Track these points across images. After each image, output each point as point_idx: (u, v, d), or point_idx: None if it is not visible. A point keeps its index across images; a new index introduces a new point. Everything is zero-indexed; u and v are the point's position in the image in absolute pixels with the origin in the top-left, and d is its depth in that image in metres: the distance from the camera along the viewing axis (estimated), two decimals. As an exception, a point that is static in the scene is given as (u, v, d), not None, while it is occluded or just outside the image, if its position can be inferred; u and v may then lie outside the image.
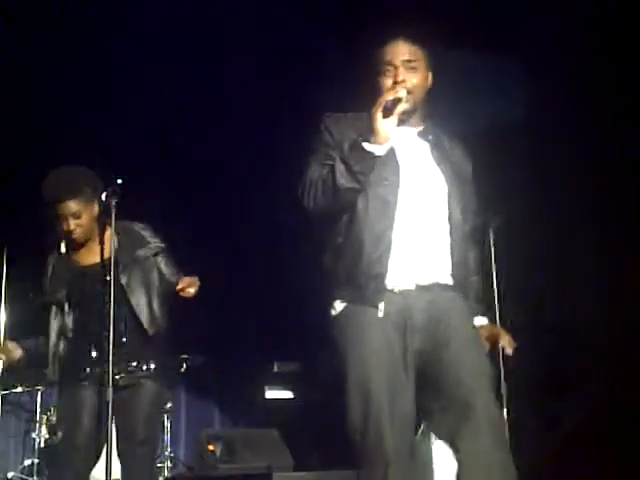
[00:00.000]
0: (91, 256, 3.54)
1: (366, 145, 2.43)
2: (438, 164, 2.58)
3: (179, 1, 5.57)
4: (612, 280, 4.58)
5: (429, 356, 2.46)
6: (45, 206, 3.46)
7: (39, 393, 5.68)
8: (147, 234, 3.63)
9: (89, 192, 3.46)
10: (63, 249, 3.57)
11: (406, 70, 2.54)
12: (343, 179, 2.43)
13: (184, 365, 5.77)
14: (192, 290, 3.48)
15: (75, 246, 3.54)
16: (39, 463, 5.46)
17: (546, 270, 4.78)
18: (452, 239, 2.54)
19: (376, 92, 2.53)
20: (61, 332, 3.50)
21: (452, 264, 2.54)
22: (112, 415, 3.19)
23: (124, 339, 3.43)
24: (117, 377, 3.34)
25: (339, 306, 2.53)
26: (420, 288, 2.48)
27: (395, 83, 2.52)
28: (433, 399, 2.46)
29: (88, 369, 3.43)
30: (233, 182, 6.38)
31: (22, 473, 5.59)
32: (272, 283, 6.69)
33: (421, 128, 2.62)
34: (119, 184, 3.35)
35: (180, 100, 5.98)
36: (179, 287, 3.48)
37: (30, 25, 5.54)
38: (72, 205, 3.42)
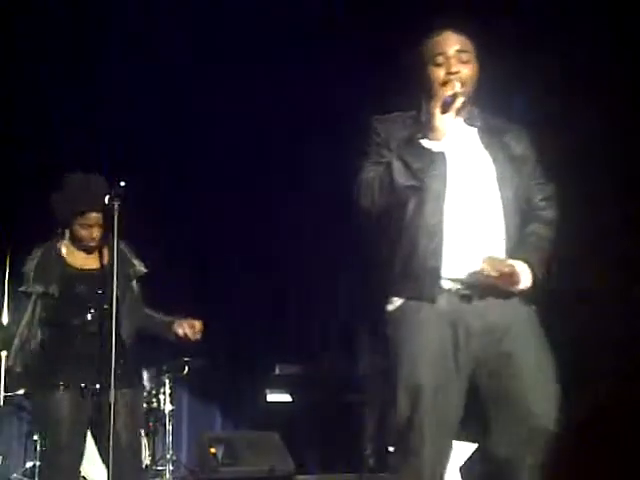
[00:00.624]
0: (89, 261, 3.58)
1: (424, 142, 2.40)
2: (486, 148, 2.54)
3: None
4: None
5: (487, 364, 2.43)
6: (66, 212, 3.52)
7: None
8: (131, 254, 3.69)
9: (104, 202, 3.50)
10: (64, 251, 3.58)
11: (458, 61, 2.51)
12: (401, 177, 2.41)
13: (186, 368, 5.77)
14: (197, 336, 3.59)
15: (76, 249, 3.58)
16: (40, 465, 5.46)
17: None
18: (506, 224, 2.49)
19: (425, 84, 2.52)
20: (30, 324, 3.49)
21: (506, 251, 2.48)
22: (111, 417, 3.19)
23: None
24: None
25: (396, 302, 2.49)
26: (474, 286, 2.44)
27: (449, 74, 2.48)
28: (489, 408, 2.43)
29: (66, 370, 3.42)
30: (231, 183, 6.37)
31: (24, 475, 5.60)
32: (273, 286, 6.70)
33: (467, 116, 2.57)
34: (122, 187, 3.37)
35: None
36: (180, 333, 3.58)
37: (28, 27, 5.54)
38: (98, 215, 3.50)
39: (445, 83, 2.47)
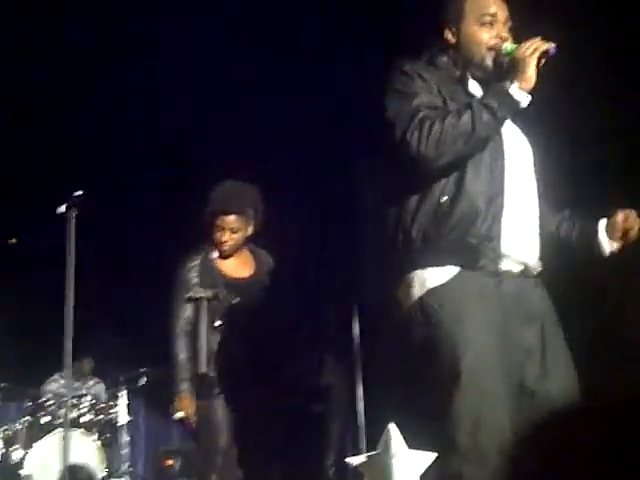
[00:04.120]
0: (238, 270, 3.76)
1: (515, 91, 2.22)
2: (521, 130, 2.44)
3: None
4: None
5: (528, 357, 2.23)
6: (207, 214, 3.69)
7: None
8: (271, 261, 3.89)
9: (251, 212, 3.72)
10: (215, 255, 3.73)
11: (505, 29, 2.40)
12: (484, 127, 2.19)
13: (142, 379, 5.68)
14: None
15: (223, 256, 3.74)
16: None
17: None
18: (540, 215, 2.37)
19: (468, 43, 2.37)
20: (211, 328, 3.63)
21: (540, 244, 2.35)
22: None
23: None
24: None
25: (450, 271, 2.21)
26: (526, 269, 2.28)
27: (500, 38, 2.37)
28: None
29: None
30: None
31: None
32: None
33: None
34: (79, 196, 3.41)
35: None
36: None
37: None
38: (233, 219, 3.66)
39: (491, 47, 2.35)
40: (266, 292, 3.79)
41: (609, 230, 2.37)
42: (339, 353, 5.38)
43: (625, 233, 2.36)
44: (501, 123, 2.25)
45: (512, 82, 2.23)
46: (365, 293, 4.89)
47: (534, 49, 2.24)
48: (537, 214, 2.36)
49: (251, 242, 3.88)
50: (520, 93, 2.22)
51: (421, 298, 2.21)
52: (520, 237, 2.28)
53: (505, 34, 2.38)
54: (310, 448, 5.46)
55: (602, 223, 2.39)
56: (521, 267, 2.29)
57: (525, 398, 2.18)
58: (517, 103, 2.23)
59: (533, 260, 2.33)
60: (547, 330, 2.27)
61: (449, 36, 2.43)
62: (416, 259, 2.24)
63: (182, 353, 3.61)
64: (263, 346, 3.64)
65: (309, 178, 5.60)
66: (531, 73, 2.22)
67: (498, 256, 2.22)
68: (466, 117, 2.18)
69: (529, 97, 2.25)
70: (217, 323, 3.60)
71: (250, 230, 3.76)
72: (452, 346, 2.12)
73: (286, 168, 5.44)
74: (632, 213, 2.37)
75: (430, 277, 2.22)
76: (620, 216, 2.36)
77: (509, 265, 2.26)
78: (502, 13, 2.40)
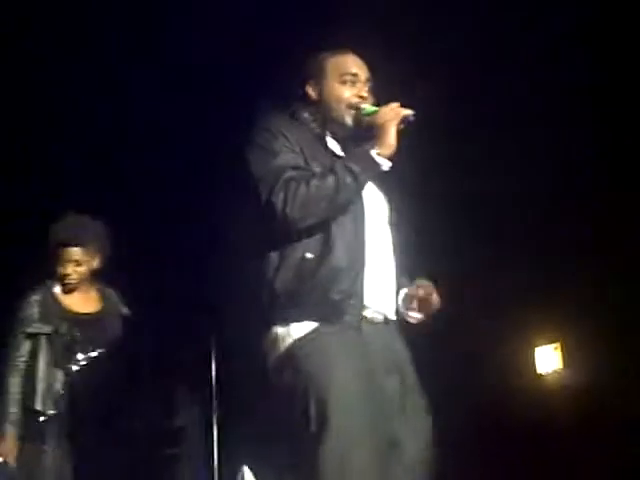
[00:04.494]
0: (83, 305, 3.64)
1: (376, 157, 2.26)
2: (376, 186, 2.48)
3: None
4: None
5: (390, 407, 2.27)
6: (50, 246, 3.59)
7: None
8: (122, 304, 3.80)
9: (95, 245, 3.65)
10: (58, 289, 3.61)
11: (365, 89, 2.45)
12: (347, 190, 2.22)
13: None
14: None
15: (66, 290, 3.62)
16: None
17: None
18: (396, 267, 2.43)
19: (328, 100, 2.42)
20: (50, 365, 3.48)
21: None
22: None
23: None
24: None
25: (308, 326, 2.23)
26: (386, 321, 2.34)
27: (361, 97, 2.41)
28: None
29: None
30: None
31: None
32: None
33: None
34: None
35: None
36: None
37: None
38: (76, 252, 3.58)
39: (351, 105, 2.40)
40: (113, 329, 3.72)
41: (405, 300, 2.46)
42: (195, 394, 5.33)
43: (422, 303, 2.44)
44: (363, 186, 2.29)
45: (373, 147, 2.28)
46: (224, 335, 4.88)
47: (393, 116, 2.29)
48: (394, 269, 2.43)
49: (102, 280, 3.82)
50: (380, 158, 2.28)
51: (288, 349, 2.23)
52: (381, 291, 2.35)
53: (365, 94, 2.44)
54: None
55: (401, 293, 2.48)
56: (382, 318, 2.36)
57: (389, 445, 2.22)
58: (378, 167, 2.29)
59: (391, 312, 2.41)
60: (407, 378, 2.34)
61: (311, 92, 2.48)
62: (281, 313, 2.26)
63: (12, 391, 3.46)
64: (108, 386, 3.55)
65: (172, 222, 5.57)
66: (391, 140, 2.28)
67: (360, 310, 2.27)
68: (330, 180, 2.22)
69: (389, 163, 2.30)
70: (59, 360, 3.50)
71: (95, 264, 3.68)
72: (319, 394, 2.13)
73: (150, 209, 5.41)
74: (427, 285, 2.45)
75: (295, 330, 2.25)
76: (412, 289, 2.45)
77: (371, 316, 2.32)
78: (363, 73, 2.47)
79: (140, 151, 5.43)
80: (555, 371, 5.29)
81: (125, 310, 3.79)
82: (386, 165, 2.30)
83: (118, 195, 5.43)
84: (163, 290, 5.91)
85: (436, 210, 4.70)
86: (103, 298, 3.73)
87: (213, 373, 4.79)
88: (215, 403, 4.75)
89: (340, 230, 2.28)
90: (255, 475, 4.61)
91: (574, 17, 4.42)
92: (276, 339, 2.27)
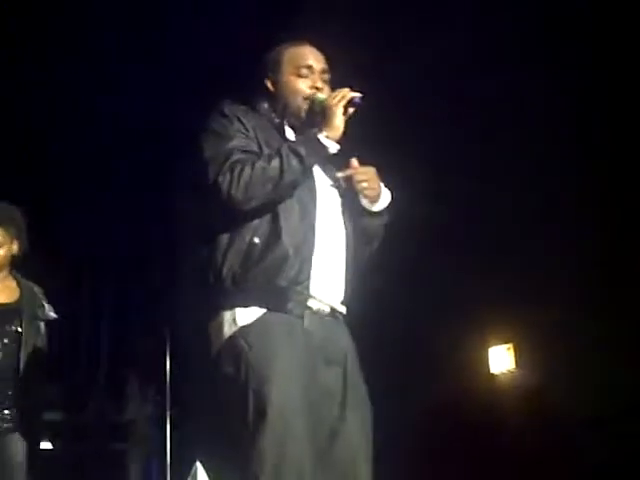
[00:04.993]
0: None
1: (323, 139, 2.27)
2: (325, 172, 2.46)
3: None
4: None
5: (335, 396, 2.27)
6: None
7: None
8: (43, 297, 3.64)
9: (14, 231, 3.55)
10: None
11: (320, 80, 2.47)
12: (292, 172, 2.22)
13: None
14: None
15: None
16: None
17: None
18: (347, 259, 2.40)
19: (285, 93, 2.44)
20: None
21: (346, 289, 2.39)
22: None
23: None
24: None
25: (253, 313, 2.22)
26: (332, 311, 2.33)
27: (316, 89, 2.43)
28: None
29: None
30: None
31: None
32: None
33: None
34: None
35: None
36: None
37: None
38: None
39: (306, 96, 2.42)
40: (28, 323, 3.62)
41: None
42: (147, 388, 5.31)
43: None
44: (309, 169, 2.30)
45: (321, 130, 2.30)
46: (178, 327, 4.86)
47: (340, 98, 2.32)
48: (344, 261, 2.41)
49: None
50: (329, 141, 2.29)
51: (231, 337, 2.22)
52: (329, 282, 2.34)
53: (320, 84, 2.46)
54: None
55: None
56: (328, 309, 2.35)
57: (327, 437, 2.23)
58: (326, 149, 2.30)
59: (339, 304, 2.39)
60: (349, 372, 2.33)
61: (269, 85, 2.50)
62: (226, 298, 2.25)
63: None
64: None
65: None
66: (338, 122, 2.30)
67: (306, 299, 2.27)
68: (275, 162, 2.23)
69: (337, 145, 2.31)
70: None
71: (15, 249, 3.59)
72: (259, 383, 2.14)
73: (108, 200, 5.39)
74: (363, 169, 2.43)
75: (240, 317, 2.24)
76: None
77: (316, 307, 2.31)
78: (318, 65, 2.49)
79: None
80: (508, 371, 5.35)
81: (46, 304, 3.64)
82: (333, 148, 2.32)
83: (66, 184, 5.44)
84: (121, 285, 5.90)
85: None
86: (22, 289, 3.62)
87: (167, 365, 4.75)
88: (169, 396, 4.72)
89: (289, 217, 2.28)
90: (207, 471, 4.60)
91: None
92: (221, 325, 2.25)
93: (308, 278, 2.26)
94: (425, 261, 5.04)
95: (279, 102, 2.48)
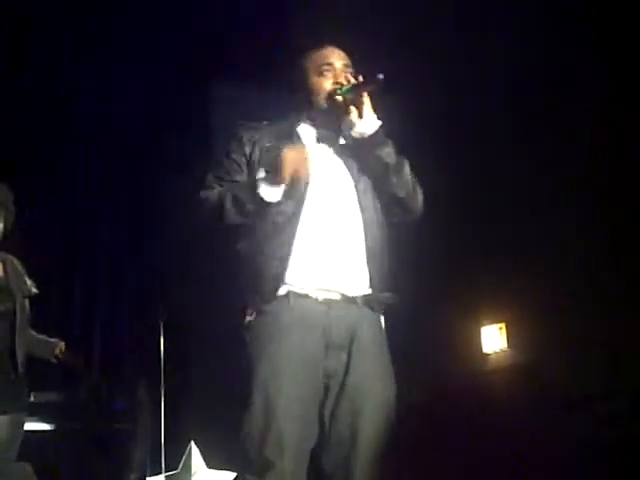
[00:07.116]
0: None
1: (262, 190, 2.34)
2: (345, 161, 2.54)
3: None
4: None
5: (335, 378, 2.37)
6: None
7: None
8: (24, 272, 3.60)
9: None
10: None
11: (342, 75, 2.54)
12: (230, 216, 2.36)
13: None
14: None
15: None
16: None
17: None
18: (367, 244, 2.47)
19: (309, 94, 2.55)
20: None
21: (370, 273, 2.46)
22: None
23: None
24: None
25: (251, 313, 2.38)
26: (345, 297, 2.40)
27: (337, 83, 2.52)
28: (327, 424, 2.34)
29: None
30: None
31: None
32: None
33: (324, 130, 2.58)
34: None
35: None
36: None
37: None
38: None
39: (329, 93, 2.52)
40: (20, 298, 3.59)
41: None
42: (142, 371, 5.33)
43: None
44: (248, 214, 2.37)
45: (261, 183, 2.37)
46: (172, 312, 4.88)
47: (293, 158, 2.35)
48: (363, 245, 2.48)
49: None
50: (267, 191, 2.35)
51: (232, 326, 2.38)
52: (335, 269, 2.41)
53: (343, 80, 2.54)
54: (107, 469, 5.36)
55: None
56: (337, 296, 2.41)
57: (320, 426, 2.34)
58: (265, 204, 2.36)
59: (352, 289, 2.45)
60: (354, 354, 2.40)
61: (295, 89, 2.63)
62: (227, 290, 2.42)
63: None
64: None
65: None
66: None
67: (297, 291, 2.37)
68: (221, 202, 2.37)
69: (277, 196, 2.35)
70: None
71: (0, 226, 3.55)
72: (250, 364, 2.30)
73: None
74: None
75: (247, 313, 2.38)
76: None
77: (315, 295, 2.39)
78: (339, 61, 2.59)
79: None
80: (500, 350, 5.40)
81: (28, 280, 3.63)
82: (272, 197, 2.35)
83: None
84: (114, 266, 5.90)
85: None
86: (5, 265, 3.58)
87: (162, 349, 4.79)
88: (163, 377, 4.76)
89: (265, 221, 2.39)
90: (202, 451, 4.64)
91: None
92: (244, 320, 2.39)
93: (284, 270, 2.34)
94: (418, 242, 5.06)
95: (304, 105, 2.59)
